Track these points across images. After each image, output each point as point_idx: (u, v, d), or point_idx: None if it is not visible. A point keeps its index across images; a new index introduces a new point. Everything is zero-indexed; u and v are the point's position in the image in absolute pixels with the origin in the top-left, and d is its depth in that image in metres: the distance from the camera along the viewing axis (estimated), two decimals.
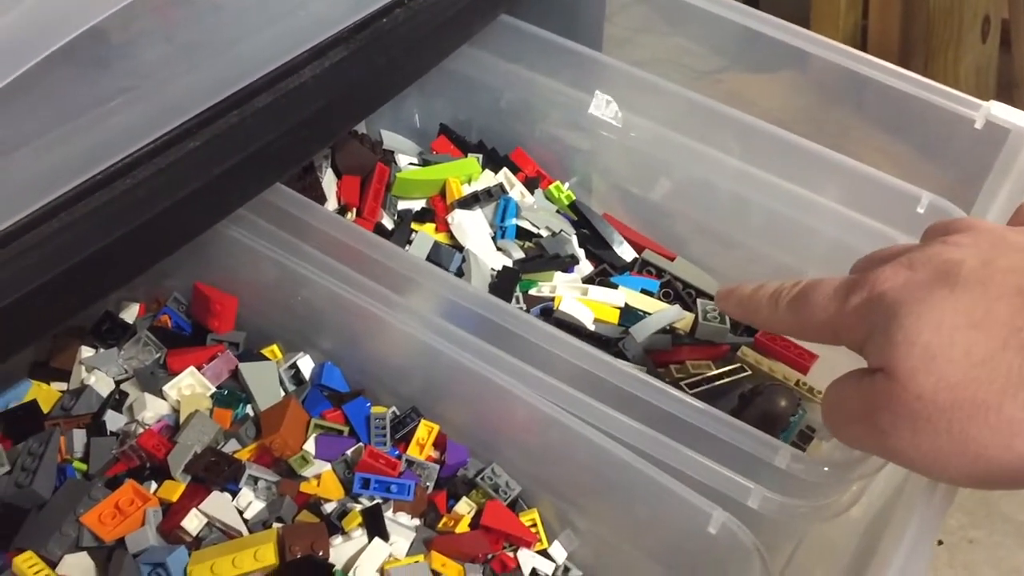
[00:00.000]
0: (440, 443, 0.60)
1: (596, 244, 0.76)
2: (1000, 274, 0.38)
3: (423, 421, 0.59)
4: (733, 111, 0.72)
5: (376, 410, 0.60)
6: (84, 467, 0.57)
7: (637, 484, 0.52)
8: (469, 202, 0.73)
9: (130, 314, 0.66)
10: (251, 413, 0.60)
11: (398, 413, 0.60)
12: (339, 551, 0.52)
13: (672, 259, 0.77)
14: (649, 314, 0.70)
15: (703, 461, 0.51)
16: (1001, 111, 0.69)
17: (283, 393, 0.61)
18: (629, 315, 0.69)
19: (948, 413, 0.36)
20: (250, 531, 0.53)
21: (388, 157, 0.76)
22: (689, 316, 0.71)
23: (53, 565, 0.51)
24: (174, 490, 0.54)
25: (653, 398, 0.52)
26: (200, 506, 0.53)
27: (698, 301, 0.72)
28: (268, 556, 0.51)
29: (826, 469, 0.48)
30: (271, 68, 0.55)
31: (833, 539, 0.55)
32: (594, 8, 0.84)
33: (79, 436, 0.58)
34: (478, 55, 0.76)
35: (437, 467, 0.58)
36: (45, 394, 0.61)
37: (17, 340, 0.47)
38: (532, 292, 0.69)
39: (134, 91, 0.51)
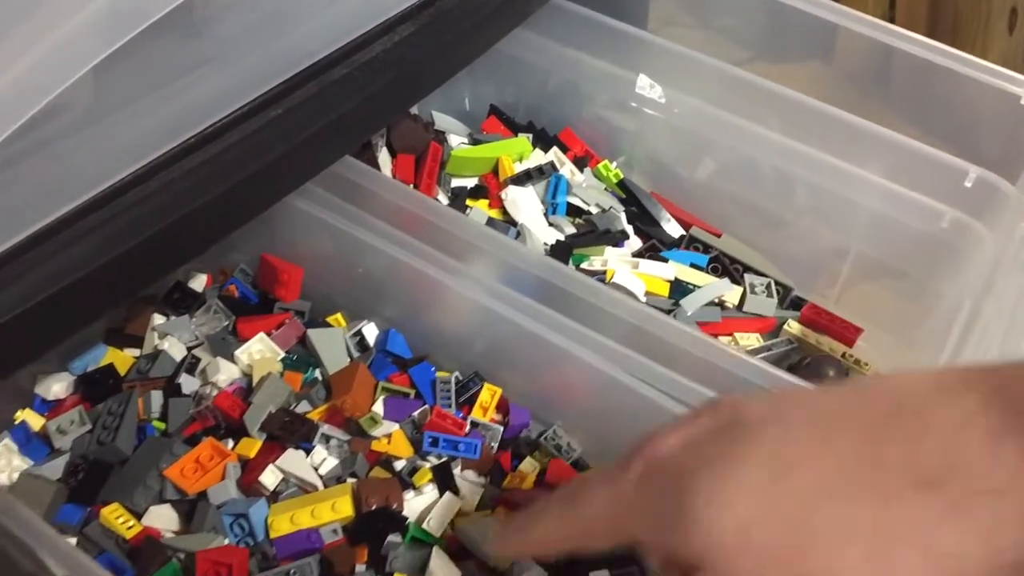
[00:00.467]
0: (502, 406, 0.62)
1: (644, 221, 0.78)
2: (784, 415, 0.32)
3: (486, 385, 0.62)
4: (776, 86, 0.74)
5: (440, 374, 0.63)
6: (162, 426, 0.59)
7: None
8: (522, 179, 0.75)
9: (198, 284, 0.69)
10: (319, 377, 0.63)
11: (460, 378, 0.63)
12: (411, 505, 0.55)
13: (718, 236, 0.79)
14: (698, 287, 0.72)
15: None
16: None
17: (349, 358, 0.64)
18: (679, 288, 0.72)
19: None
20: (325, 486, 0.56)
21: (440, 137, 0.79)
22: (737, 289, 0.74)
23: (138, 516, 0.54)
24: (251, 447, 0.57)
25: (712, 356, 0.54)
26: (276, 462, 0.56)
27: (745, 275, 0.75)
28: (346, 508, 0.53)
29: None
30: (344, 42, 0.58)
31: None
32: None
33: (156, 397, 0.61)
34: (526, 36, 0.79)
35: (501, 428, 0.61)
36: (120, 359, 0.64)
37: (108, 299, 0.50)
38: (584, 266, 0.71)
39: (218, 61, 0.54)
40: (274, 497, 0.56)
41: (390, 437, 0.58)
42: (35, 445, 0.59)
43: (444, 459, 0.57)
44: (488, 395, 0.61)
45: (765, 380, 0.53)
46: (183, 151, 0.51)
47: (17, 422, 0.60)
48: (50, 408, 0.62)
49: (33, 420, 0.60)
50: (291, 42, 0.57)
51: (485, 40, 0.68)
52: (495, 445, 0.60)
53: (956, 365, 0.44)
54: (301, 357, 0.64)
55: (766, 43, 0.86)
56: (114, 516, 0.53)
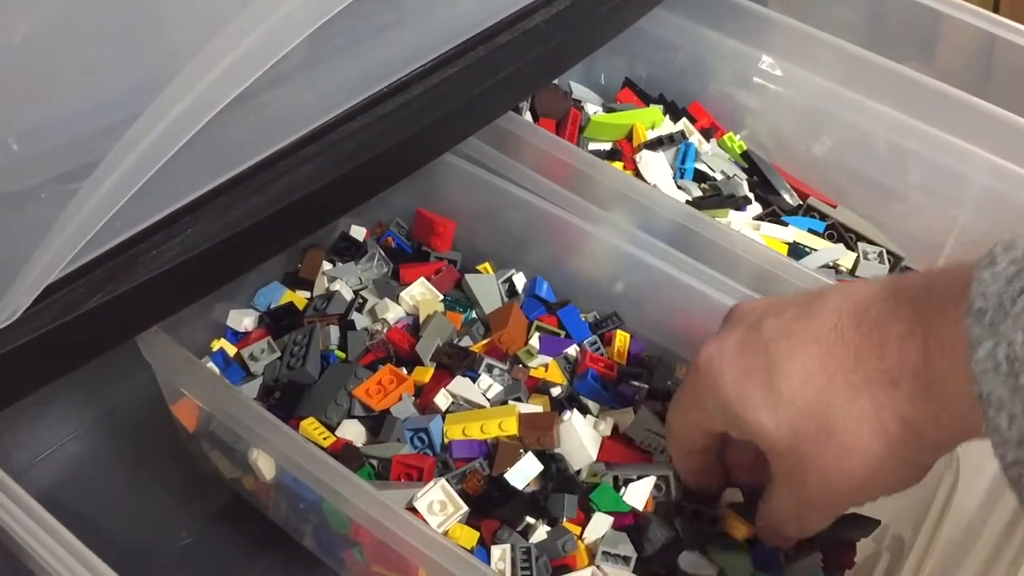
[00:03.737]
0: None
1: (765, 190, 0.89)
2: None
3: (618, 332, 0.74)
4: (891, 63, 0.85)
5: (583, 316, 0.75)
6: (342, 355, 0.72)
7: None
8: (654, 145, 0.87)
9: (359, 236, 0.81)
10: (476, 317, 0.75)
11: (599, 316, 0.75)
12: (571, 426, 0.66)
13: (834, 207, 0.90)
14: (815, 250, 0.83)
15: None
16: None
17: (502, 301, 0.76)
18: (796, 250, 0.83)
19: None
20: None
21: (579, 105, 0.90)
22: (851, 255, 0.84)
23: (332, 429, 0.67)
24: (425, 373, 0.69)
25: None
26: (448, 387, 0.68)
27: (859, 244, 0.85)
28: (511, 427, 0.65)
29: None
30: (511, 11, 0.70)
31: None
32: None
33: (333, 332, 0.73)
34: (657, 12, 0.90)
35: (647, 387, 0.72)
36: (297, 299, 0.77)
37: (312, 224, 0.64)
38: None
39: (405, 24, 0.66)
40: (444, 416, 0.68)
41: (547, 367, 0.70)
42: (233, 369, 0.72)
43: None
44: (622, 341, 0.73)
45: None
46: (379, 98, 0.64)
47: (215, 350, 0.72)
48: (239, 339, 0.74)
49: (228, 348, 0.73)
50: (465, 10, 0.69)
51: (633, 14, 0.80)
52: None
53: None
54: (459, 299, 0.76)
55: (871, 30, 0.96)
56: (312, 428, 0.66)
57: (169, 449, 0.73)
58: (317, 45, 0.58)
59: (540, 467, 0.63)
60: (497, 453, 0.64)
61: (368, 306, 0.75)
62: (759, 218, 0.86)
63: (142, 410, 0.75)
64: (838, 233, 0.86)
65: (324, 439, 0.65)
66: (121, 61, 0.54)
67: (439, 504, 0.61)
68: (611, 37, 0.79)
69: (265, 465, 0.64)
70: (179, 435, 0.72)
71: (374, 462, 0.64)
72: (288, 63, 0.53)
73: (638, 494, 0.64)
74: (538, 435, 0.65)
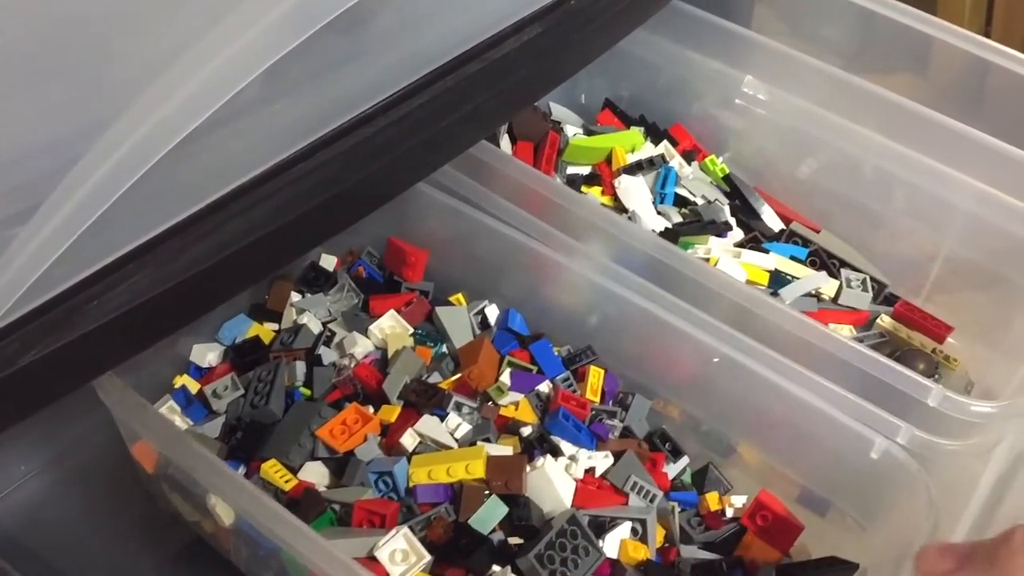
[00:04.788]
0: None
1: (747, 214, 0.87)
2: None
3: (592, 368, 0.72)
4: (877, 88, 0.83)
5: (555, 350, 0.73)
6: (308, 392, 0.70)
7: (801, 414, 0.64)
8: (633, 169, 0.85)
9: (328, 265, 0.80)
10: (447, 352, 0.73)
11: (572, 350, 0.73)
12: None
13: (817, 232, 0.88)
14: (797, 279, 0.81)
15: (858, 400, 0.63)
16: None
17: (473, 335, 0.74)
18: (778, 279, 0.81)
19: None
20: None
21: (557, 127, 0.88)
22: (834, 283, 0.82)
23: (294, 471, 0.65)
24: (391, 412, 0.67)
25: (814, 339, 0.64)
26: (415, 426, 0.66)
27: (842, 270, 0.84)
28: (478, 470, 0.63)
29: (975, 407, 0.59)
30: (480, 40, 0.67)
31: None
32: None
33: (300, 367, 0.71)
34: (639, 33, 0.87)
35: (621, 425, 0.71)
36: (263, 332, 0.75)
37: (269, 266, 0.61)
38: (689, 253, 0.80)
39: (370, 55, 0.63)
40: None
41: (517, 405, 0.68)
42: (195, 407, 0.70)
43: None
44: (595, 377, 0.71)
45: (863, 363, 0.62)
46: (339, 133, 0.60)
47: (177, 386, 0.71)
48: (203, 374, 0.73)
49: (190, 385, 0.71)
50: (433, 39, 0.66)
51: (609, 40, 0.77)
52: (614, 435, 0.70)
53: None
54: (429, 333, 0.74)
55: (861, 52, 0.94)
56: (274, 470, 0.64)
57: (129, 488, 0.72)
58: (273, 79, 0.56)
59: (505, 510, 0.62)
60: (462, 497, 0.62)
61: (336, 339, 0.74)
62: (740, 245, 0.84)
63: (102, 448, 0.73)
64: (821, 260, 0.84)
65: (286, 482, 0.64)
66: (61, 101, 0.52)
67: (401, 553, 0.59)
68: (582, 66, 0.77)
69: (224, 512, 0.62)
70: (139, 474, 0.70)
71: (336, 507, 0.62)
72: (243, 97, 0.50)
73: (613, 542, 0.62)
74: (506, 479, 0.63)
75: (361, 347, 0.72)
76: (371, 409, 0.68)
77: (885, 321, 0.81)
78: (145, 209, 0.52)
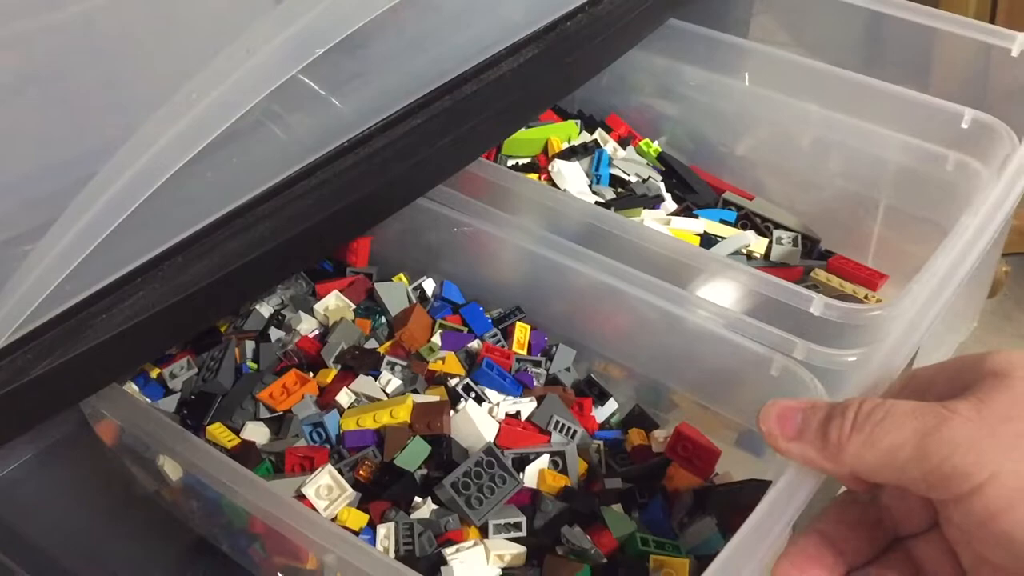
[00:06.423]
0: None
1: (683, 190, 0.91)
2: None
3: (518, 323, 0.76)
4: (808, 60, 0.88)
5: (487, 314, 0.77)
6: (255, 366, 0.75)
7: (706, 345, 0.67)
8: (567, 154, 0.89)
9: None
10: (384, 323, 0.78)
11: (503, 312, 0.77)
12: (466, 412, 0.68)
13: (751, 199, 0.91)
14: (725, 238, 0.85)
15: (756, 323, 0.66)
16: None
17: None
18: (708, 242, 0.84)
19: None
20: None
21: None
22: (763, 240, 0.86)
23: (237, 432, 0.69)
24: (328, 375, 0.72)
25: (699, 263, 0.68)
26: (350, 386, 0.70)
27: (773, 229, 0.87)
28: (402, 415, 0.67)
29: (857, 310, 0.62)
30: (476, 62, 0.69)
31: None
32: None
33: (249, 346, 0.76)
34: None
35: (546, 374, 0.74)
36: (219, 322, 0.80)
37: (275, 278, 0.66)
38: None
39: (368, 76, 0.66)
40: None
41: (444, 359, 0.72)
42: (151, 387, 0.75)
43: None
44: (522, 332, 0.75)
45: (751, 283, 0.66)
46: (338, 153, 0.62)
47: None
48: (163, 361, 0.78)
49: (149, 369, 0.76)
50: (431, 61, 0.68)
51: (602, 61, 0.81)
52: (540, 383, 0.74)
53: None
54: (370, 308, 0.79)
55: (867, 52, 0.98)
56: (219, 432, 0.69)
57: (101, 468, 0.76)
58: (276, 100, 0.58)
59: (428, 449, 0.65)
60: (386, 439, 0.66)
61: (286, 320, 0.78)
62: (673, 215, 0.88)
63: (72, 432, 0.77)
64: (751, 222, 0.88)
65: (229, 442, 0.68)
66: (73, 122, 0.56)
67: (326, 489, 0.63)
68: (577, 86, 0.81)
69: (171, 469, 0.66)
70: (106, 453, 0.74)
71: (272, 458, 0.67)
72: (246, 119, 0.52)
73: (532, 472, 0.66)
74: (428, 421, 0.67)
75: (306, 324, 0.77)
76: (311, 375, 0.73)
77: (820, 274, 0.84)
78: (150, 227, 0.54)
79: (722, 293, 0.68)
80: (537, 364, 0.74)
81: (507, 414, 0.70)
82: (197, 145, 0.49)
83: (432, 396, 0.70)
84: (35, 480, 0.78)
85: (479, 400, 0.69)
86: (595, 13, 0.77)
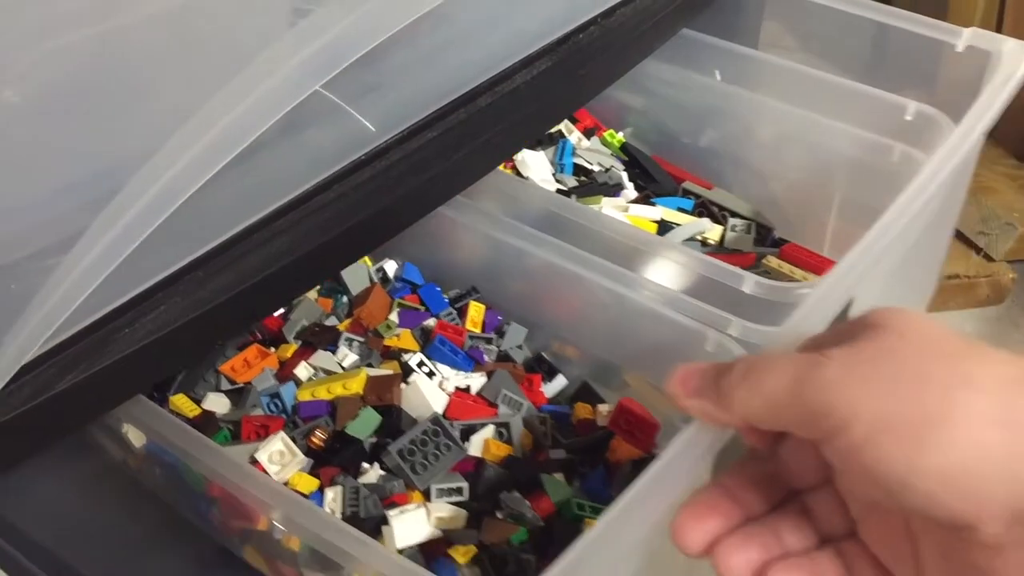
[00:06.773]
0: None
1: (645, 180, 0.94)
2: None
3: (472, 302, 0.79)
4: (771, 57, 0.91)
5: (445, 294, 0.80)
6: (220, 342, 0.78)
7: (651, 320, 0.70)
8: (533, 144, 0.92)
9: None
10: (346, 302, 0.81)
11: (461, 292, 0.80)
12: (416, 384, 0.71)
13: (709, 189, 0.94)
14: (680, 225, 0.88)
15: (694, 301, 0.69)
16: (980, 36, 0.84)
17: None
18: (664, 227, 0.87)
19: None
20: None
21: None
22: (719, 228, 0.89)
23: (199, 403, 0.72)
24: (288, 350, 0.75)
25: (643, 244, 0.71)
26: (308, 360, 0.74)
27: (728, 217, 0.90)
28: (355, 387, 0.70)
29: (784, 287, 0.65)
30: (490, 75, 0.70)
31: None
32: None
33: None
34: None
35: (496, 350, 0.77)
36: None
37: (285, 296, 0.68)
38: None
39: (384, 89, 0.66)
40: None
41: (399, 336, 0.75)
42: None
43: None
44: (476, 311, 0.78)
45: (690, 264, 0.69)
46: (355, 167, 0.63)
47: None
48: None
49: None
50: (445, 74, 0.69)
51: (615, 72, 0.82)
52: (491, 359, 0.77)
53: None
54: (332, 288, 0.82)
55: (874, 63, 1.00)
56: (181, 402, 0.72)
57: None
58: (293, 114, 0.55)
59: (379, 418, 0.68)
60: (339, 408, 0.69)
61: None
62: (631, 203, 0.91)
63: None
64: (708, 210, 0.91)
65: (191, 412, 0.71)
66: (95, 140, 0.57)
67: (279, 454, 0.66)
68: (590, 98, 0.83)
69: (135, 436, 0.70)
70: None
71: (231, 427, 0.70)
72: (266, 133, 0.51)
73: (477, 441, 0.69)
74: (380, 392, 0.70)
75: None
76: (273, 350, 0.76)
77: (771, 261, 0.87)
78: (171, 241, 0.54)
79: (667, 275, 0.71)
80: (489, 341, 0.77)
81: (457, 388, 0.73)
82: (220, 161, 0.49)
83: (386, 370, 0.73)
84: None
85: (431, 374, 0.72)
86: (607, 25, 0.78)
